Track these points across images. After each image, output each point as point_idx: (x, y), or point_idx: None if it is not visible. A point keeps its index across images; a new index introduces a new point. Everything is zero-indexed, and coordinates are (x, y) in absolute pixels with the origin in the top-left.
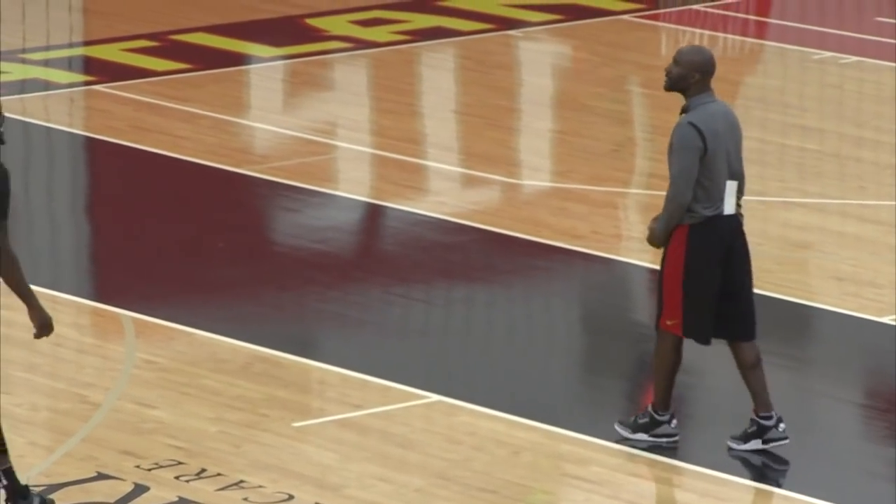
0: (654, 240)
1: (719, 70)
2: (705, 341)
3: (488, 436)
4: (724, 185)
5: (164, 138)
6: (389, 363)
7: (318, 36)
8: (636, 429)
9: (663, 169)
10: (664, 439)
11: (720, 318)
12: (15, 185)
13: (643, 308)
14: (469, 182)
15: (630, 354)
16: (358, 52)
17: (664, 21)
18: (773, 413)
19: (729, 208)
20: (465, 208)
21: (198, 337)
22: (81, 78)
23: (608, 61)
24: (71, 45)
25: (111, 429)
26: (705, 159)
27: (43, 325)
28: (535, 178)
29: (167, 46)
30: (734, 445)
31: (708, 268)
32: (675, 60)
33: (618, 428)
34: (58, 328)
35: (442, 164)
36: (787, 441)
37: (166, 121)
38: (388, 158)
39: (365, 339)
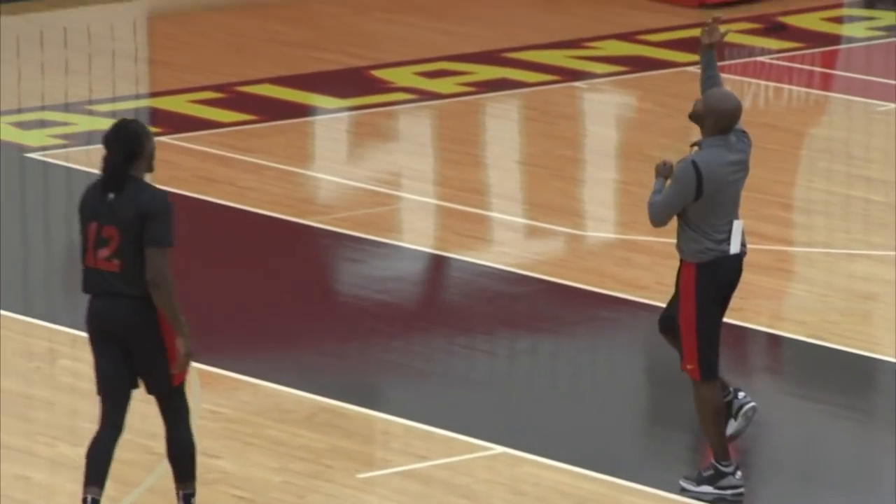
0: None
1: (785, 121)
2: (714, 376)
3: (552, 487)
4: (730, 224)
5: (230, 189)
6: (453, 414)
7: (382, 87)
8: (701, 481)
9: None
10: (729, 491)
11: None
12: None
13: None
14: (533, 233)
15: (694, 406)
16: (423, 104)
17: (729, 73)
18: (730, 389)
19: (735, 247)
20: (529, 259)
21: (262, 387)
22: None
23: (673, 112)
24: (137, 97)
25: None
26: (699, 202)
27: (186, 354)
28: (600, 229)
29: (233, 98)
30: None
31: (714, 306)
32: (702, 98)
33: (683, 483)
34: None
35: (506, 215)
36: (752, 404)
37: (232, 172)
38: (452, 209)
39: (429, 389)
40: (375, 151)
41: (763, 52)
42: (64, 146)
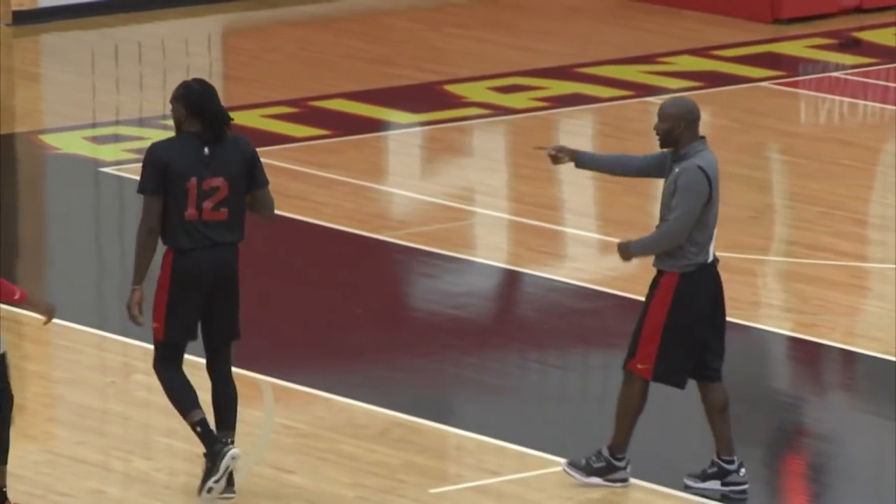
0: (626, 254)
1: (860, 136)
2: (681, 385)
3: (626, 503)
4: (712, 232)
5: (303, 204)
6: (526, 429)
7: (456, 102)
8: (591, 472)
9: (803, 236)
10: (619, 484)
11: (697, 361)
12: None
13: (782, 376)
14: (606, 248)
15: (768, 423)
16: (496, 119)
17: (803, 88)
18: (735, 458)
19: (710, 256)
20: (602, 275)
21: (336, 402)
22: None
23: (747, 128)
24: None
25: (249, 494)
26: (707, 205)
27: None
28: None
29: (306, 113)
30: (691, 483)
31: (695, 315)
32: (659, 117)
33: (569, 470)
34: (197, 393)
35: (579, 231)
36: (747, 486)
37: (305, 186)
38: (525, 224)
39: (502, 405)
40: (449, 166)
41: (837, 67)
42: (138, 161)
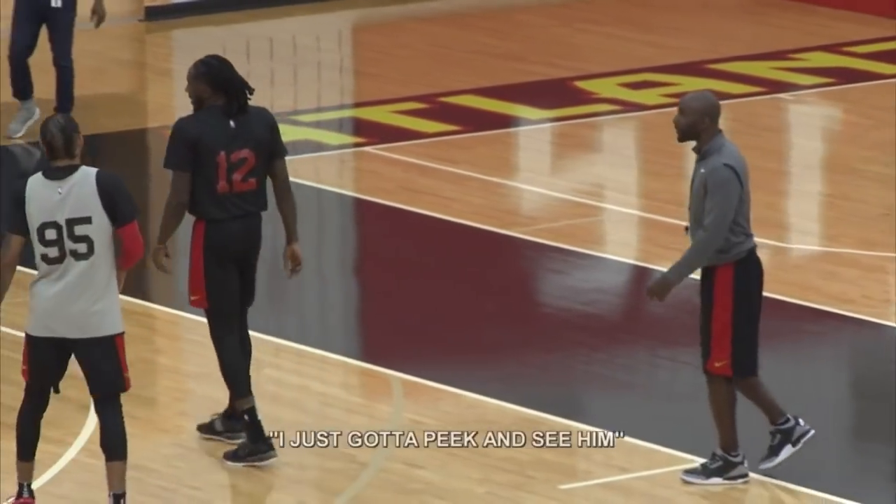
0: (664, 287)
1: None
2: (754, 373)
3: (754, 502)
4: (749, 219)
5: (433, 199)
6: (655, 426)
7: (586, 98)
8: (710, 474)
9: None
10: (739, 480)
11: None
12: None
13: None
14: None
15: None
16: (626, 115)
17: None
18: (788, 416)
19: (753, 241)
20: None
21: (465, 398)
22: (351, 139)
23: (879, 124)
24: (342, 107)
25: (379, 489)
26: (742, 198)
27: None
28: (805, 241)
29: (436, 108)
30: (768, 465)
31: (754, 301)
32: (681, 110)
33: (687, 478)
34: (326, 388)
35: None
36: (813, 432)
37: (435, 182)
38: (655, 221)
39: (632, 401)
40: (578, 162)
41: None
42: None
